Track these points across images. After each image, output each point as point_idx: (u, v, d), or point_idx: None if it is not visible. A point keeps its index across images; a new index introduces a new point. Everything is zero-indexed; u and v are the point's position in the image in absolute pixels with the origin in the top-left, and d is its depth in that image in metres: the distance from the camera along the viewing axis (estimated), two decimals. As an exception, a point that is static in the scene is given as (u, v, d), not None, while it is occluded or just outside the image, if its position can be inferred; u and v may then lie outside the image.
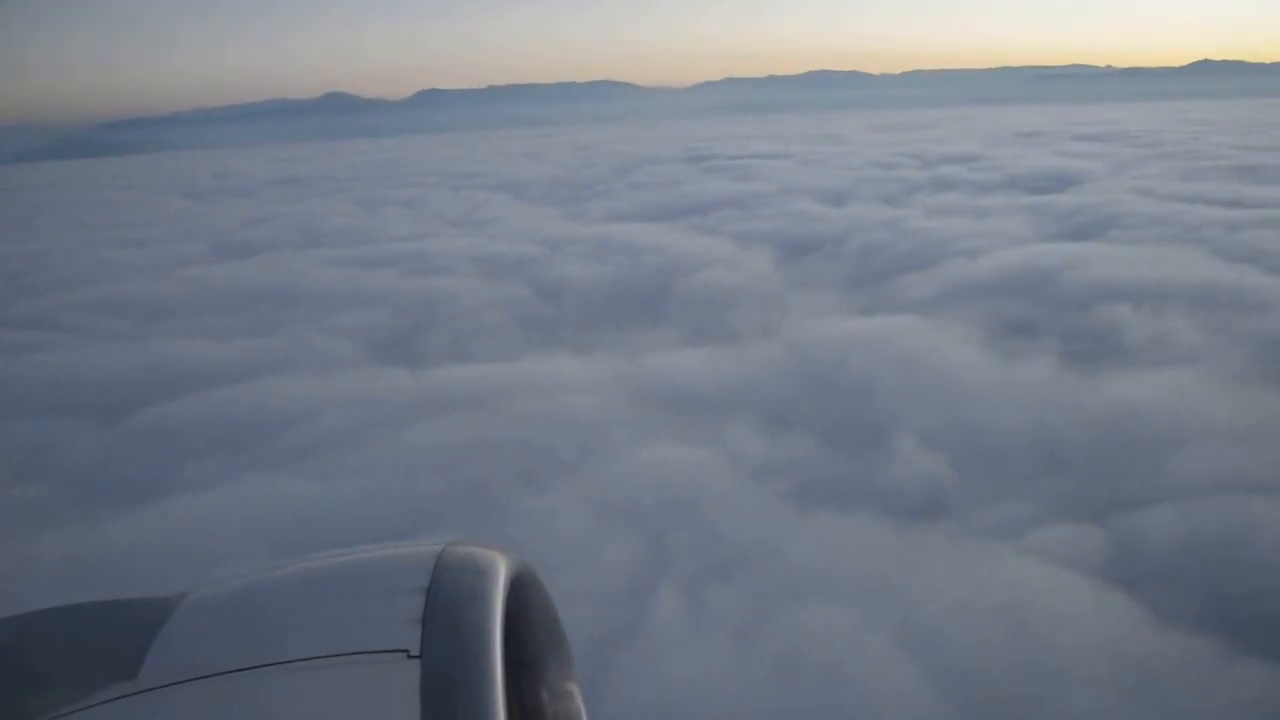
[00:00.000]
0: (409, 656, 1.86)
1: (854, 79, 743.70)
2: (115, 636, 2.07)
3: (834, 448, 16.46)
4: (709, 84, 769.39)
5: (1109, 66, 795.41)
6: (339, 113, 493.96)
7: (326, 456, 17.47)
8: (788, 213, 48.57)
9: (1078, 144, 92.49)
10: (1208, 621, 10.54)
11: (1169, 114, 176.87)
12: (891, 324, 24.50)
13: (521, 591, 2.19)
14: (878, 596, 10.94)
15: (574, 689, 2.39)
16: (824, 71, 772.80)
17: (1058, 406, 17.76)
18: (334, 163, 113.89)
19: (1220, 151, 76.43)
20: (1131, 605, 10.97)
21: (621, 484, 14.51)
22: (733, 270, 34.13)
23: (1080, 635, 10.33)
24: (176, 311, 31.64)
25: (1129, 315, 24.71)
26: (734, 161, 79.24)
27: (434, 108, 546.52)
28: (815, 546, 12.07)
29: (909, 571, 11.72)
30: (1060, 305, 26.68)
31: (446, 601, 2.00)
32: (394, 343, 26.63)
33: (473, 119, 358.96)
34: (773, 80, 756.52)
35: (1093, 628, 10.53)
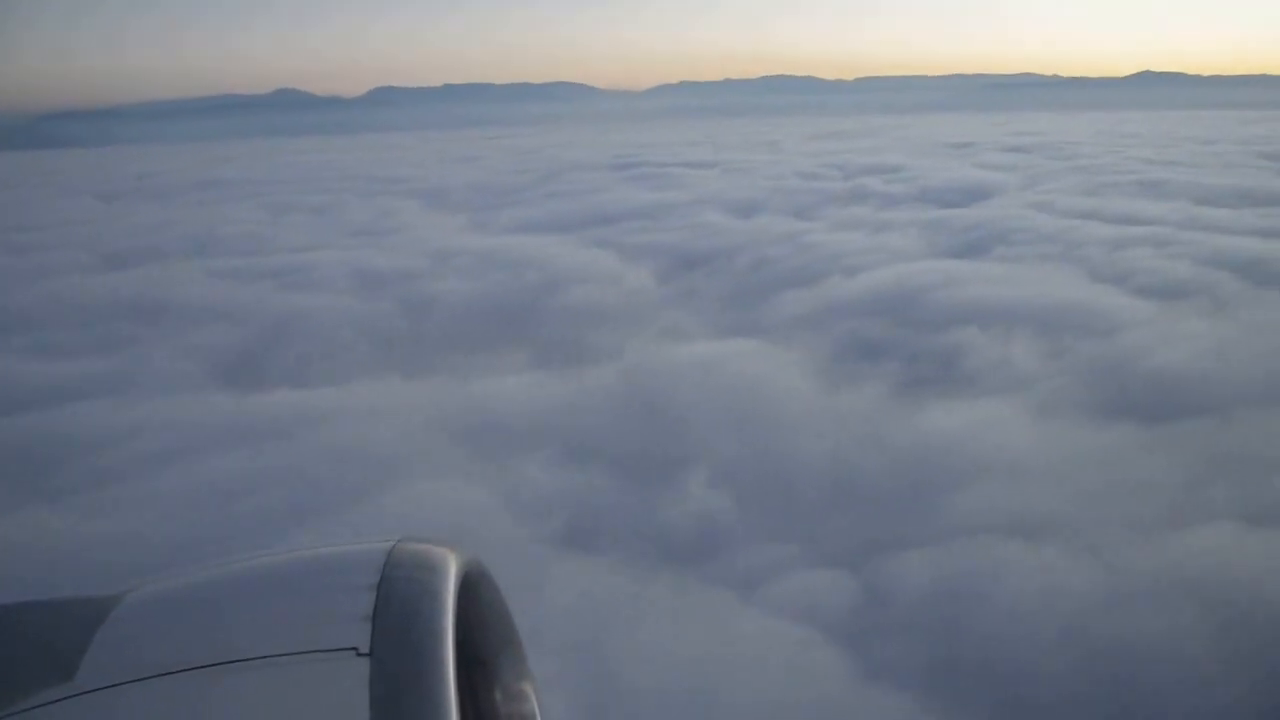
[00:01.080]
0: (358, 654, 1.81)
1: (808, 84, 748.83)
2: (49, 637, 1.99)
3: (623, 484, 16.06)
4: (664, 87, 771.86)
5: (1056, 76, 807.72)
6: (290, 109, 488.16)
7: (109, 489, 16.81)
8: (693, 225, 48.29)
9: (1003, 155, 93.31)
10: (911, 681, 10.26)
11: (1103, 124, 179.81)
12: (738, 348, 24.15)
13: (474, 589, 2.16)
14: (575, 653, 10.52)
15: (528, 689, 2.34)
16: (778, 76, 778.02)
17: (866, 439, 17.53)
18: (265, 163, 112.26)
19: (1134, 165, 77.56)
20: (840, 662, 10.67)
21: (379, 524, 14.00)
22: (610, 287, 33.74)
23: (767, 693, 10.00)
24: (28, 325, 30.61)
25: (977, 339, 24.62)
26: (660, 170, 78.90)
27: (388, 105, 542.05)
28: (540, 596, 11.64)
29: (623, 625, 11.34)
30: (917, 327, 26.55)
31: (397, 599, 1.96)
32: (237, 363, 25.90)
33: (427, 118, 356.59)
34: (727, 84, 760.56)
35: (785, 686, 10.20)
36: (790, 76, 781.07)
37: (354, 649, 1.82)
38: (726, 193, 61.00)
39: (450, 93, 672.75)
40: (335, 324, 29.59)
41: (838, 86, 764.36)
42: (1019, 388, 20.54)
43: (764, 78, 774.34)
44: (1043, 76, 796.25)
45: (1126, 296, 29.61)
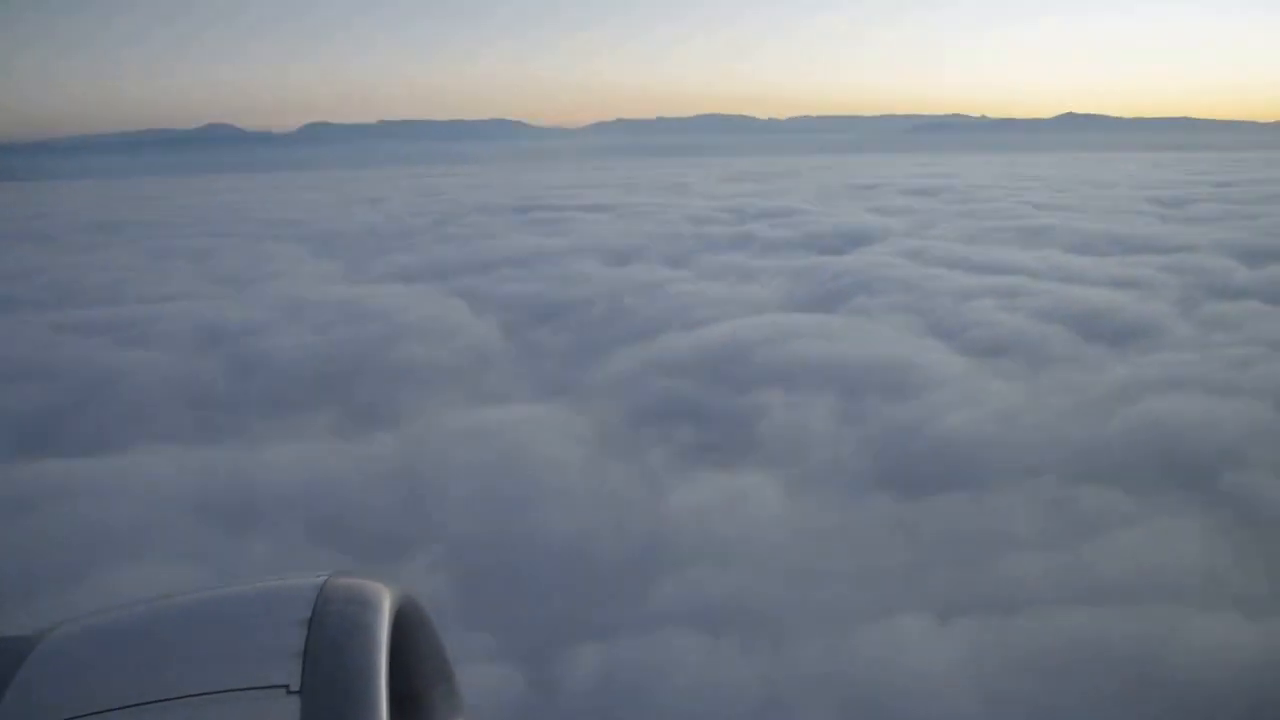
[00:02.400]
0: (289, 692, 1.78)
1: (742, 123, 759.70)
2: None
3: (344, 567, 15.57)
4: (601, 124, 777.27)
5: (984, 117, 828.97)
6: (220, 145, 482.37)
7: None
8: (564, 273, 48.16)
9: (903, 199, 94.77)
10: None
11: (1018, 166, 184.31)
12: (532, 414, 23.85)
13: (407, 624, 2.12)
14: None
15: None
16: (713, 115, 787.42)
17: (615, 516, 17.31)
18: (173, 202, 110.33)
19: (1024, 210, 79.30)
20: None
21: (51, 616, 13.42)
22: (448, 342, 33.35)
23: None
24: None
25: (779, 402, 24.59)
26: (558, 214, 78.84)
27: (320, 142, 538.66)
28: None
29: None
30: (731, 386, 26.49)
31: (329, 635, 1.93)
32: (29, 428, 25.03)
33: (359, 155, 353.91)
34: (662, 122, 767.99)
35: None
36: (725, 115, 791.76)
37: (284, 686, 1.79)
38: (611, 239, 61.10)
39: (386, 129, 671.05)
40: (152, 384, 28.79)
41: (771, 125, 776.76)
42: (795, 457, 20.51)
43: (699, 116, 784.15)
44: (971, 117, 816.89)
45: (950, 353, 29.99)
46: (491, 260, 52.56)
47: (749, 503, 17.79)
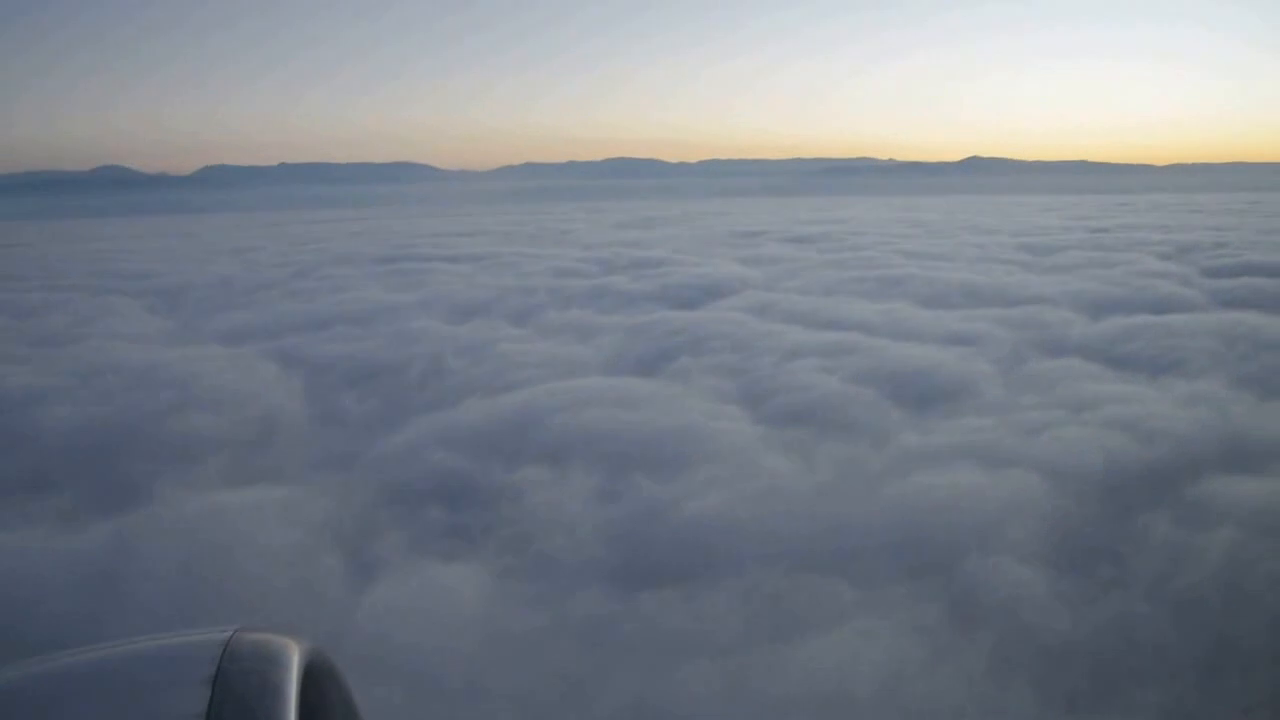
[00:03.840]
0: None
1: (651, 166, 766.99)
2: None
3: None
4: (509, 168, 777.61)
5: (892, 160, 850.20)
6: (114, 187, 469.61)
7: None
8: (398, 332, 46.64)
9: (778, 246, 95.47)
10: None
11: (913, 209, 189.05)
12: (275, 496, 22.25)
13: (318, 681, 2.03)
14: None
15: None
16: (622, 158, 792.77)
17: (294, 614, 15.92)
18: (26, 252, 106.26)
19: (893, 259, 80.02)
20: None
21: None
22: (236, 411, 31.64)
23: None
24: None
25: (543, 479, 23.51)
26: (423, 264, 77.42)
27: (218, 184, 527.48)
28: None
29: None
30: (505, 461, 25.16)
31: (234, 694, 1.84)
32: None
33: (257, 198, 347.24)
34: (571, 165, 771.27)
35: None
36: (635, 159, 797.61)
37: None
38: (463, 293, 59.87)
39: (287, 172, 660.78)
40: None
41: (681, 169, 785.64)
42: (528, 545, 19.36)
43: (608, 160, 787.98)
44: (879, 161, 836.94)
45: (746, 422, 29.26)
46: (330, 317, 50.87)
47: (450, 601, 16.57)
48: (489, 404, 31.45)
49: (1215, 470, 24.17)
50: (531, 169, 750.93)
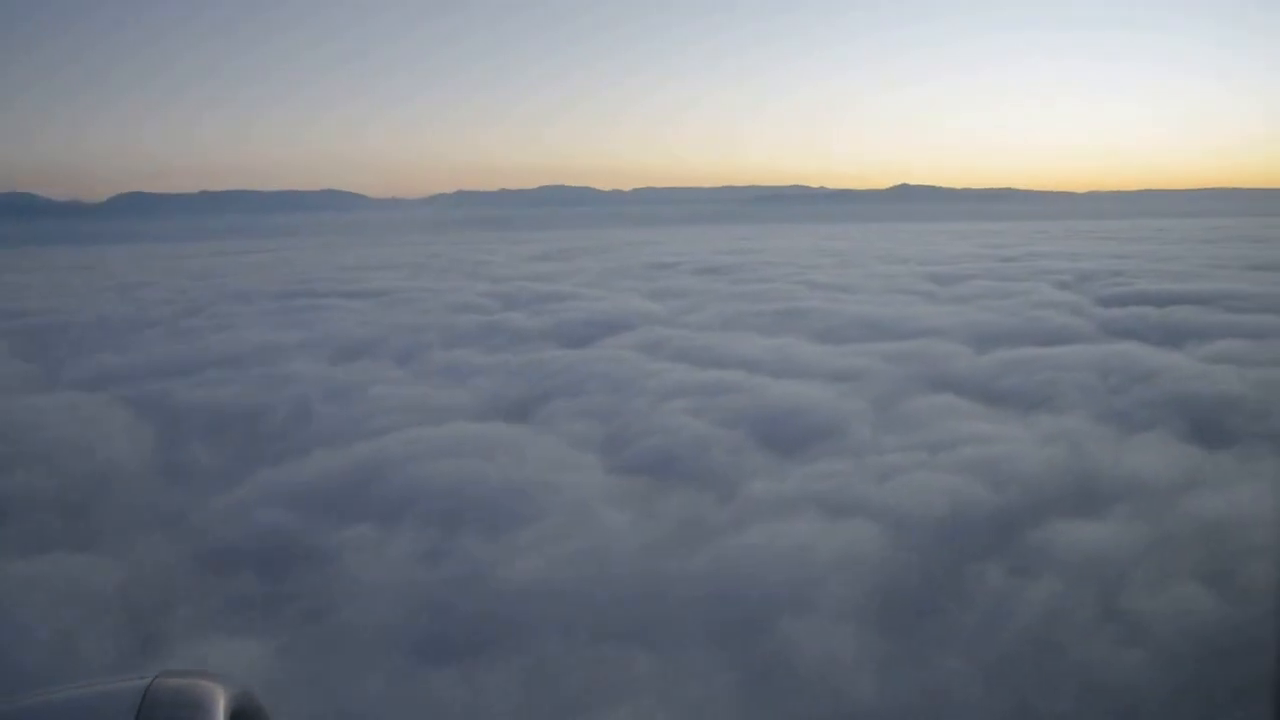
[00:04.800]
0: None
1: (584, 194, 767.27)
2: None
3: None
4: (440, 196, 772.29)
5: (823, 187, 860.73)
6: (19, 215, 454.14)
7: None
8: (273, 375, 45.12)
9: (689, 278, 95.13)
10: None
11: (835, 237, 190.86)
12: (73, 564, 20.95)
13: None
14: None
15: None
16: (555, 186, 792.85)
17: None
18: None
19: (797, 291, 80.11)
20: None
21: None
22: (72, 466, 29.97)
23: None
24: None
25: (370, 540, 22.47)
26: (318, 300, 75.53)
27: (134, 213, 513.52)
28: None
29: None
30: (337, 519, 24.04)
31: None
32: None
33: (175, 228, 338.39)
34: (504, 194, 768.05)
35: None
36: (567, 187, 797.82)
37: None
38: (353, 332, 58.43)
39: (209, 200, 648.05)
40: None
41: (614, 197, 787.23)
42: (331, 615, 18.38)
43: (542, 188, 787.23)
44: (811, 189, 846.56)
45: (598, 472, 28.49)
46: (205, 360, 49.08)
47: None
48: (339, 454, 30.29)
49: (1055, 515, 23.98)
50: (464, 197, 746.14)
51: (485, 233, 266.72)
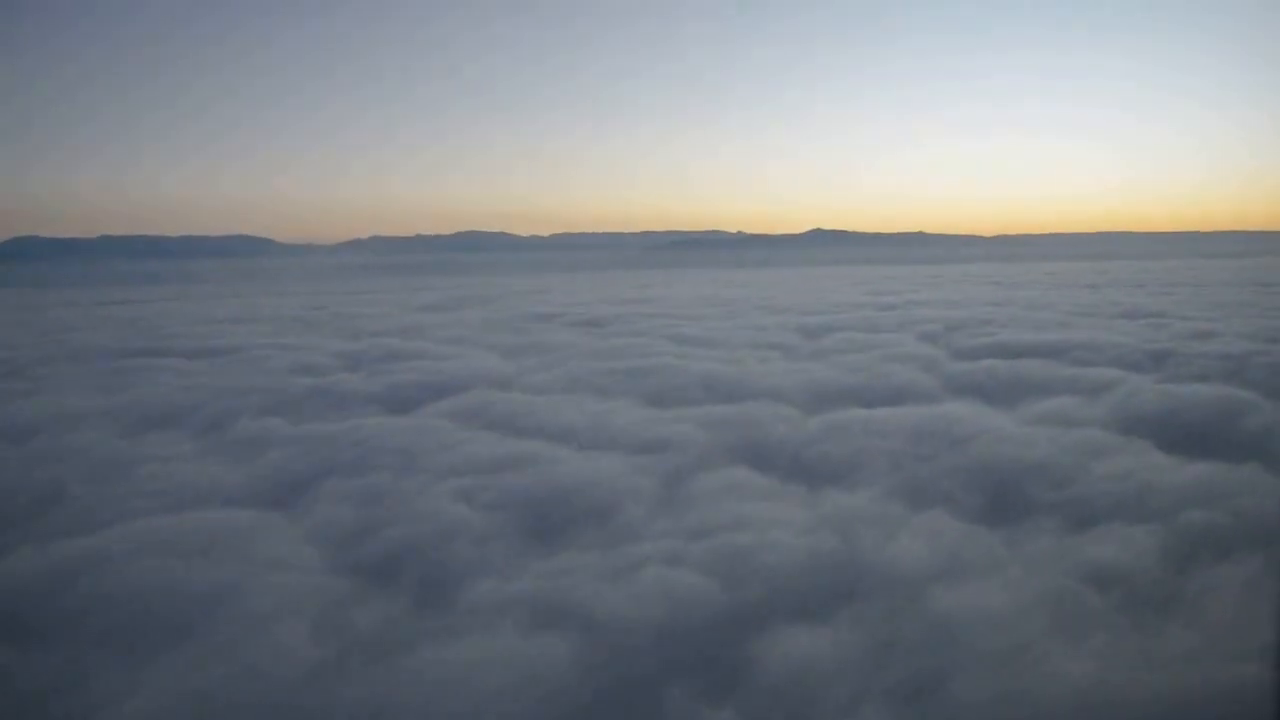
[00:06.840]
0: None
1: (501, 240, 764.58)
2: None
3: None
4: (355, 242, 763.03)
5: (740, 232, 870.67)
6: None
7: None
8: (50, 449, 42.23)
9: (563, 331, 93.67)
10: None
11: (734, 285, 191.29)
12: None
13: None
14: None
15: None
16: (473, 232, 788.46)
17: None
18: None
19: (660, 347, 78.14)
20: None
21: None
22: None
23: None
24: None
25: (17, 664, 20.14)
26: (158, 360, 72.25)
27: (27, 258, 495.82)
28: None
29: None
30: (18, 633, 21.86)
31: None
32: None
33: (67, 275, 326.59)
34: (420, 239, 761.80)
35: None
36: (483, 232, 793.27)
37: None
38: (172, 398, 55.33)
39: (108, 244, 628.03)
40: None
41: (531, 243, 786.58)
42: None
43: (457, 233, 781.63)
44: (728, 234, 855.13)
45: (321, 573, 26.30)
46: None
47: None
48: (50, 551, 27.65)
49: (779, 620, 22.56)
50: (379, 243, 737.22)
51: (390, 280, 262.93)
